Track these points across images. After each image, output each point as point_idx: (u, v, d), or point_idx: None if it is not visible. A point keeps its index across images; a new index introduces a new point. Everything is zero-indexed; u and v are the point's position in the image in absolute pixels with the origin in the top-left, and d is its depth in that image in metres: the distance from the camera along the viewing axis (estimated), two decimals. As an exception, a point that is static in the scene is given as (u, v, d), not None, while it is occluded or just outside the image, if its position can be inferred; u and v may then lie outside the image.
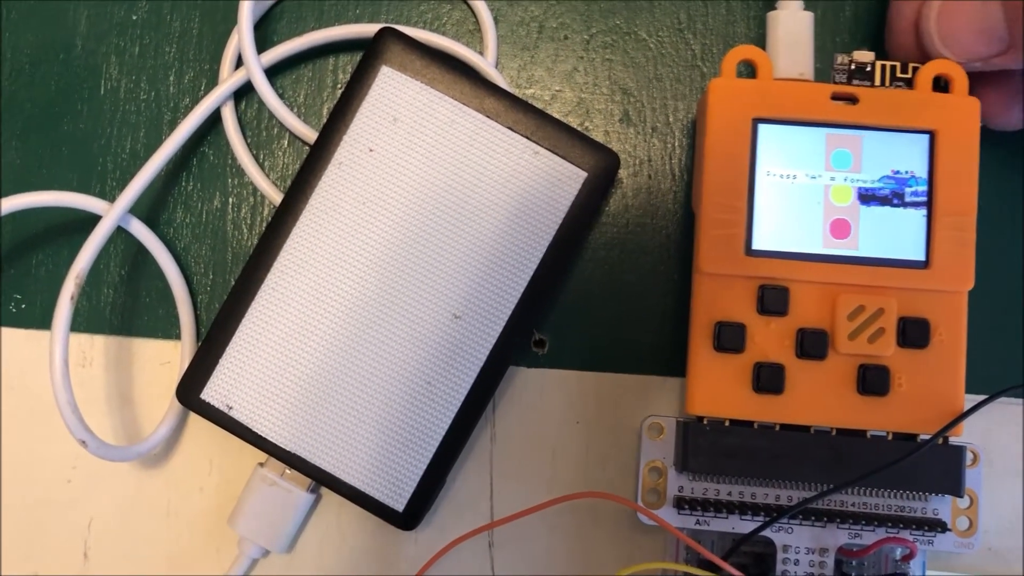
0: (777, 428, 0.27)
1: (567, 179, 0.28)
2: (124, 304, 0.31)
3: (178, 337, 0.31)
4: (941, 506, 0.28)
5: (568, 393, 0.30)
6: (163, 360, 0.31)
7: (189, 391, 0.29)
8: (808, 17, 0.28)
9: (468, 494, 0.30)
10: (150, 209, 0.31)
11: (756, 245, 0.27)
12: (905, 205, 0.27)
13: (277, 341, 0.28)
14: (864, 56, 0.28)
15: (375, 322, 0.28)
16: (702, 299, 0.27)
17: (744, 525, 0.27)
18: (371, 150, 0.29)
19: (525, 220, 0.28)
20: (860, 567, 0.28)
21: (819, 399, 0.27)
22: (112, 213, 0.29)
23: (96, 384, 0.31)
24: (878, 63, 0.28)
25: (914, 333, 0.27)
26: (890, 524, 0.27)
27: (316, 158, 0.29)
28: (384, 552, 0.30)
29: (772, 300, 0.27)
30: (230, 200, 0.31)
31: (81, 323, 0.31)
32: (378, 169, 0.29)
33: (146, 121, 0.32)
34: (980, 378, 0.28)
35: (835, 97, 0.27)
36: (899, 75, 0.28)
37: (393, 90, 0.29)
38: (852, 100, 0.27)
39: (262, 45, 0.31)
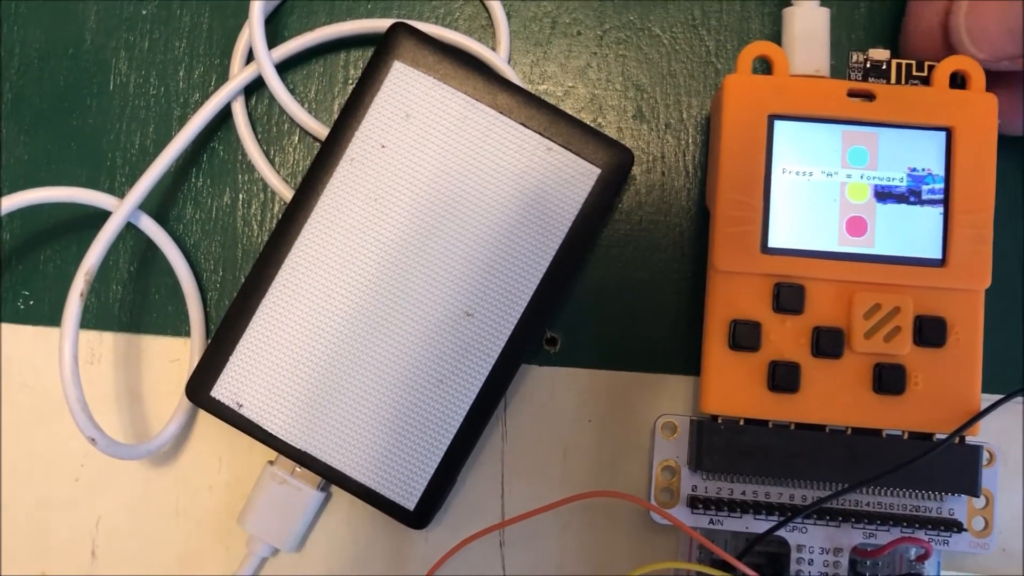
0: (792, 427, 0.27)
1: (580, 176, 0.28)
2: (133, 301, 0.31)
3: (187, 334, 0.31)
4: (957, 506, 0.28)
5: (580, 391, 0.30)
6: (172, 357, 0.31)
7: (199, 388, 0.28)
8: (824, 13, 0.28)
9: (479, 493, 0.30)
10: (160, 205, 0.31)
11: (772, 243, 0.27)
12: (922, 203, 0.27)
13: (288, 338, 0.28)
14: (880, 54, 0.28)
15: (386, 319, 0.28)
16: (717, 297, 0.27)
17: (758, 525, 0.27)
18: (383, 146, 0.28)
19: (538, 217, 0.28)
20: (875, 567, 0.28)
21: (835, 398, 0.27)
22: (122, 209, 0.29)
23: (105, 381, 0.31)
24: (894, 61, 0.28)
25: (930, 332, 0.27)
26: (905, 524, 0.27)
27: (327, 154, 0.28)
28: (394, 551, 0.30)
29: (788, 298, 0.27)
30: (240, 196, 0.31)
31: (90, 320, 0.31)
32: (390, 165, 0.28)
33: (156, 117, 0.31)
34: (997, 377, 0.28)
35: (852, 94, 0.27)
36: (915, 73, 0.28)
37: (405, 86, 0.28)
38: (869, 97, 0.27)
39: (273, 40, 0.31)
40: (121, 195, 0.29)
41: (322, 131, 0.30)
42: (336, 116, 0.29)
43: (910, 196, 0.27)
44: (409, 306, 0.28)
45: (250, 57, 0.31)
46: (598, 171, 0.28)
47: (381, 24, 0.30)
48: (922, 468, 0.26)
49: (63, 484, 0.31)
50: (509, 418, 0.30)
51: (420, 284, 0.28)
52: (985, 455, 0.28)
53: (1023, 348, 0.30)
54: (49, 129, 0.31)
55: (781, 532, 0.27)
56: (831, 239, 0.27)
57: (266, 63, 0.30)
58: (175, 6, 0.32)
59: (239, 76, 0.30)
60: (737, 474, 0.27)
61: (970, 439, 0.27)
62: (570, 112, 0.29)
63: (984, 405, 0.27)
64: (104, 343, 0.31)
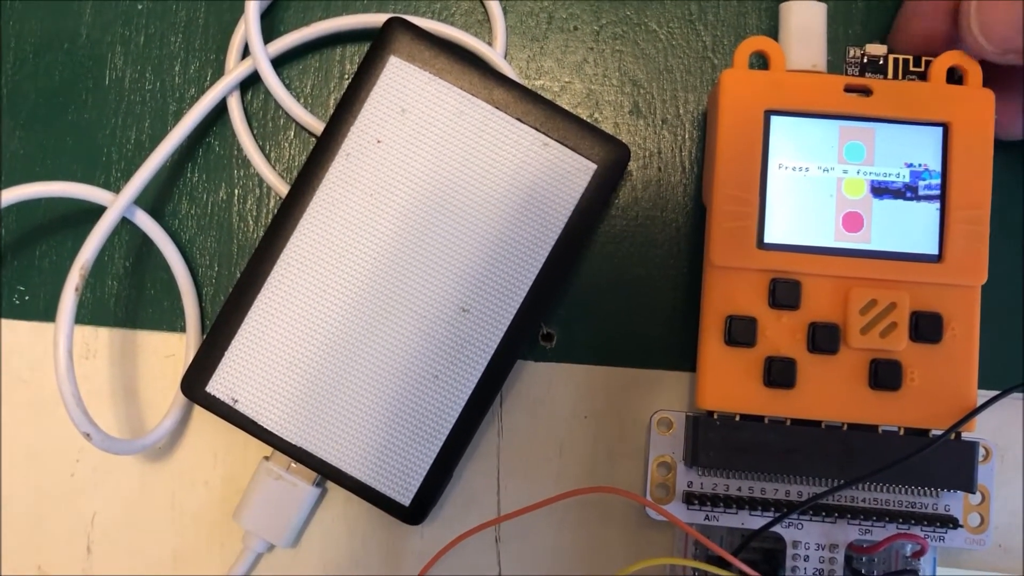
0: (788, 423, 0.27)
1: (577, 171, 0.28)
2: (129, 296, 0.31)
3: (183, 330, 0.31)
4: (952, 502, 0.28)
5: (576, 387, 0.30)
6: (168, 353, 0.31)
7: (194, 384, 0.28)
8: (821, 8, 0.28)
9: (475, 489, 0.30)
10: (155, 200, 0.31)
11: (768, 238, 0.27)
12: (918, 198, 0.27)
13: (283, 334, 0.28)
14: (877, 49, 0.28)
15: (382, 315, 0.28)
16: (713, 292, 0.27)
17: (754, 521, 0.27)
18: (379, 141, 0.28)
19: (534, 212, 0.28)
20: (870, 563, 0.28)
21: (830, 394, 0.27)
22: (117, 204, 0.29)
23: (100, 377, 0.31)
24: (891, 56, 0.28)
25: (927, 327, 0.27)
26: (901, 520, 0.27)
27: (323, 149, 0.28)
28: (390, 547, 0.30)
29: (784, 294, 0.27)
30: (236, 191, 0.31)
31: (85, 315, 0.31)
32: (386, 160, 0.28)
33: (151, 111, 0.31)
34: (993, 374, 0.28)
35: (848, 89, 0.27)
36: (912, 69, 0.28)
37: (401, 80, 0.28)
38: (865, 92, 0.27)
39: (269, 35, 0.31)
40: (117, 190, 0.29)
41: (318, 126, 0.30)
42: (332, 111, 0.29)
43: (907, 192, 0.27)
44: (404, 301, 0.28)
45: (246, 52, 0.31)
46: (594, 167, 0.28)
47: (377, 19, 0.30)
48: (918, 464, 0.26)
49: (59, 479, 0.31)
50: (505, 414, 0.30)
51: (415, 279, 0.28)
52: (981, 451, 0.28)
53: (1019, 344, 0.30)
54: (45, 124, 0.31)
55: (777, 528, 0.27)
56: (827, 235, 0.27)
57: (262, 58, 0.30)
58: (171, 1, 0.32)
59: (235, 71, 0.30)
60: (733, 470, 0.27)
61: (966, 435, 0.27)
62: (566, 107, 0.29)
63: (980, 401, 0.27)
64: (99, 338, 0.31)
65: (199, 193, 0.31)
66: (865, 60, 0.28)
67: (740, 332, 0.27)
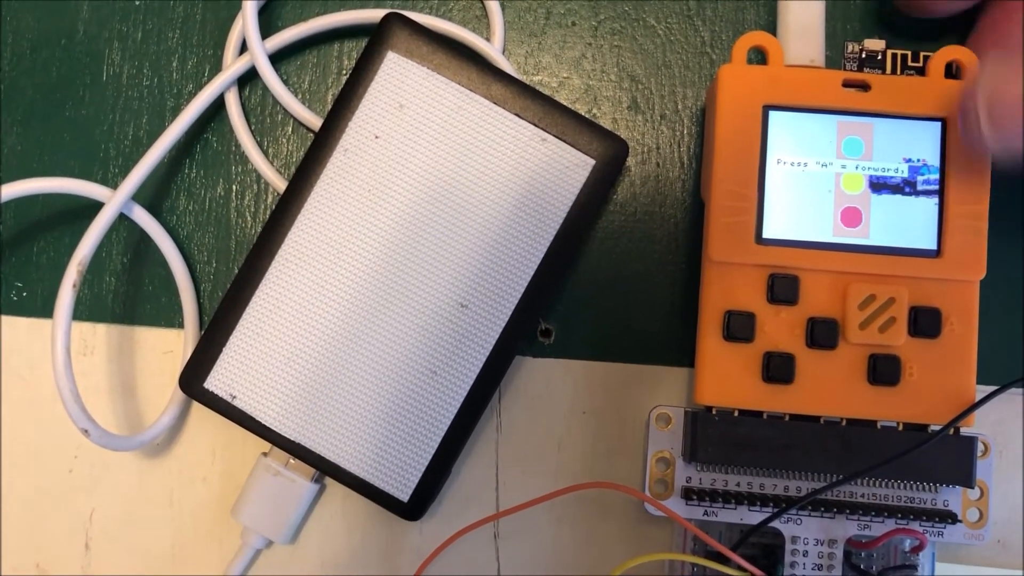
0: (786, 418, 0.27)
1: (575, 167, 0.28)
2: (126, 292, 0.31)
3: (181, 326, 0.30)
4: (951, 497, 0.28)
5: (575, 383, 0.30)
6: (166, 349, 0.31)
7: (192, 380, 0.28)
8: (819, 4, 0.28)
9: (473, 485, 0.30)
10: (153, 196, 0.31)
11: (766, 233, 0.27)
12: (917, 193, 0.27)
13: (281, 330, 0.28)
14: (875, 44, 0.28)
15: (380, 311, 0.28)
16: (711, 288, 0.27)
17: (753, 516, 0.27)
18: (377, 137, 0.28)
19: (532, 208, 0.28)
20: (869, 559, 0.28)
21: (829, 389, 0.27)
22: (115, 200, 0.29)
23: (98, 373, 0.31)
24: (889, 52, 0.28)
25: (925, 323, 0.27)
26: (900, 515, 0.27)
27: (321, 145, 0.28)
28: (389, 543, 0.30)
29: (782, 289, 0.27)
30: (234, 188, 0.31)
31: (83, 311, 0.31)
32: (384, 156, 0.28)
33: (149, 107, 0.31)
34: (992, 369, 0.28)
35: (847, 84, 0.27)
36: (910, 64, 0.28)
37: (399, 76, 0.28)
38: (864, 87, 0.27)
39: (266, 31, 0.31)
40: (114, 186, 0.29)
41: (316, 122, 0.30)
42: (330, 107, 0.29)
43: (905, 187, 0.27)
44: (403, 297, 0.28)
45: (244, 48, 0.31)
46: (593, 162, 0.28)
47: (375, 14, 0.30)
48: (917, 459, 0.26)
49: (57, 476, 0.31)
50: (503, 410, 0.30)
51: (414, 275, 0.28)
52: (980, 446, 0.28)
53: (1018, 339, 0.30)
54: (42, 120, 0.31)
55: (776, 524, 0.27)
56: (826, 230, 0.27)
57: (259, 53, 0.30)
58: (168, -4, 0.32)
59: (232, 67, 0.30)
60: (731, 465, 0.27)
61: (965, 430, 0.27)
62: (565, 103, 0.29)
63: (979, 397, 0.27)
64: (97, 335, 0.31)
65: (197, 189, 0.31)
66: (864, 55, 0.28)
67: (739, 327, 0.27)
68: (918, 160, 0.27)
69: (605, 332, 0.30)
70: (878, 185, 0.27)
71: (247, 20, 0.29)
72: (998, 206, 0.27)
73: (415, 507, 0.28)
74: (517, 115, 0.28)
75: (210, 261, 0.31)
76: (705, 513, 0.28)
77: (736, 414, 0.27)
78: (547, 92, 0.30)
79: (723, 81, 0.27)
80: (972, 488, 0.27)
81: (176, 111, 0.31)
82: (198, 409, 0.30)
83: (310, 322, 0.28)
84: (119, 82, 0.31)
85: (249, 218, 0.31)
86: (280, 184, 0.30)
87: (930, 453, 0.26)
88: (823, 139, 0.27)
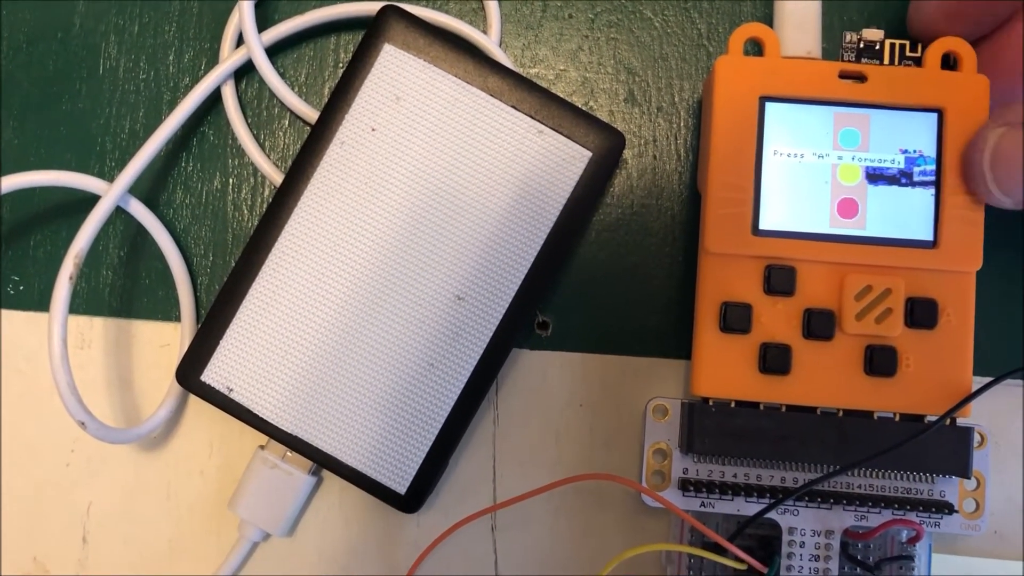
0: (783, 409, 0.27)
1: (572, 159, 0.28)
2: (123, 286, 0.31)
3: (178, 319, 0.30)
4: (948, 488, 0.28)
5: (572, 375, 0.30)
6: (163, 342, 0.31)
7: (189, 373, 0.28)
8: (816, -5, 0.28)
9: (471, 477, 0.30)
10: (150, 190, 0.31)
11: (763, 225, 0.27)
12: (913, 184, 0.27)
13: (278, 323, 0.28)
14: (873, 34, 0.28)
15: (377, 303, 0.28)
16: (708, 279, 0.27)
17: (749, 507, 0.27)
18: (373, 129, 0.28)
19: (529, 200, 0.28)
20: (866, 549, 0.28)
21: (826, 380, 0.27)
22: (111, 192, 0.29)
23: (95, 366, 0.31)
24: (887, 42, 0.28)
25: (922, 313, 0.27)
26: (896, 506, 0.27)
27: (317, 138, 0.28)
28: (386, 535, 0.30)
29: (779, 280, 0.27)
30: (230, 181, 0.31)
31: (80, 305, 0.31)
32: (380, 149, 0.28)
33: (145, 101, 0.31)
34: (988, 360, 0.28)
35: (843, 75, 0.27)
36: (908, 54, 0.28)
37: (396, 68, 0.28)
38: (860, 78, 0.27)
39: (263, 24, 0.31)
40: (111, 180, 0.29)
41: (312, 115, 0.30)
42: (326, 100, 0.29)
43: (902, 178, 0.27)
44: (400, 290, 0.28)
45: (240, 41, 0.30)
46: (589, 154, 0.28)
47: (371, 7, 0.30)
48: (913, 450, 0.26)
49: (54, 470, 0.31)
50: (501, 402, 0.30)
51: (410, 267, 0.28)
52: (976, 437, 0.28)
53: (1015, 330, 0.30)
54: (38, 113, 0.31)
55: (773, 515, 0.27)
56: (822, 221, 0.27)
57: (256, 47, 0.30)
58: (164, -10, 0.32)
59: (229, 60, 0.30)
60: (728, 456, 0.27)
61: (961, 421, 0.27)
62: (561, 95, 0.29)
63: (975, 388, 0.27)
64: (94, 328, 0.31)
65: (194, 182, 0.31)
66: (862, 45, 0.28)
67: (735, 319, 0.27)
68: (914, 151, 0.27)
69: (602, 324, 0.30)
70: (874, 176, 0.27)
71: (243, 13, 0.29)
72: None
73: (412, 499, 0.28)
74: (514, 107, 0.28)
75: (207, 254, 0.31)
76: (702, 504, 0.28)
77: (733, 405, 0.27)
78: (544, 85, 0.30)
79: (720, 73, 0.27)
80: (968, 478, 0.27)
81: (173, 104, 0.31)
82: (195, 402, 0.30)
83: (307, 315, 0.28)
84: (116, 76, 0.31)
85: (246, 211, 0.31)
86: (277, 177, 0.30)
87: (926, 444, 0.26)
88: (819, 130, 0.27)
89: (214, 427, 0.30)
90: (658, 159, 0.31)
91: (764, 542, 0.28)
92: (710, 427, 0.27)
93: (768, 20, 0.28)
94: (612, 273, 0.30)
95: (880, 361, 0.27)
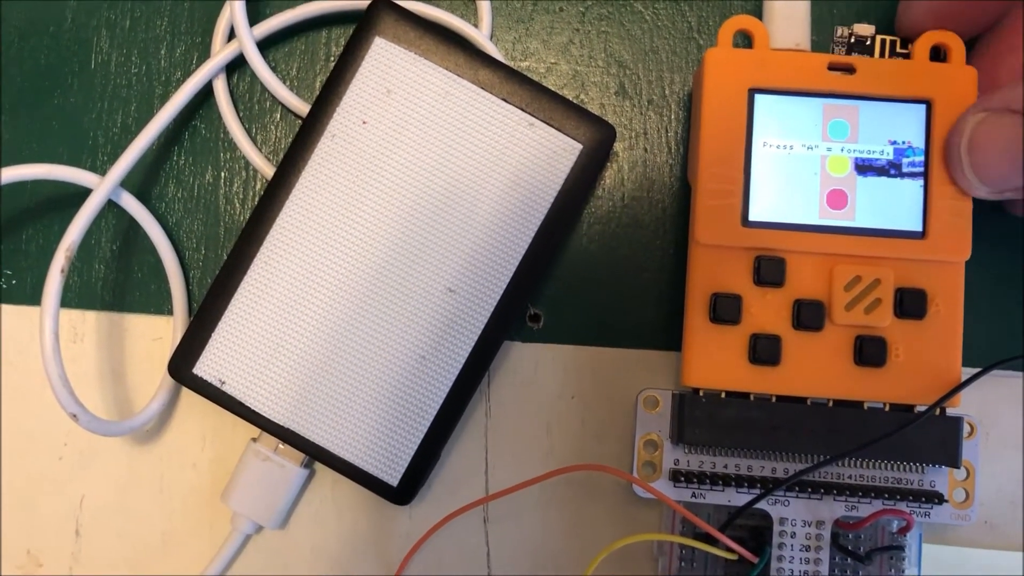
0: (773, 400, 0.27)
1: (562, 151, 0.28)
2: (116, 280, 0.31)
3: (170, 312, 0.31)
4: (938, 478, 0.28)
5: (563, 367, 0.30)
6: (155, 336, 0.31)
7: (181, 366, 0.28)
8: (805, -12, 0.28)
9: (463, 469, 0.30)
10: (142, 184, 0.31)
11: (753, 216, 0.27)
12: (902, 175, 0.27)
13: (270, 315, 0.28)
14: (864, 29, 0.28)
15: (369, 296, 0.28)
16: (698, 270, 0.27)
17: (740, 498, 0.27)
18: (364, 122, 0.28)
19: (520, 193, 0.28)
20: (857, 539, 0.28)
21: (816, 370, 0.27)
22: (103, 186, 0.29)
23: (88, 360, 0.31)
24: (878, 37, 0.28)
25: (911, 304, 0.27)
26: (887, 496, 0.27)
27: (309, 131, 0.28)
28: (378, 527, 0.30)
29: (768, 271, 0.27)
30: (222, 174, 0.31)
31: (72, 299, 0.31)
32: (371, 141, 0.28)
33: (137, 95, 0.31)
34: (978, 351, 0.28)
35: (832, 67, 0.27)
36: (899, 50, 0.28)
37: (387, 62, 0.28)
38: (849, 70, 0.27)
39: (254, 18, 0.31)
40: (103, 174, 0.29)
41: (304, 108, 0.30)
42: (318, 93, 0.29)
43: (890, 169, 0.27)
44: (391, 282, 0.28)
45: (232, 35, 0.31)
46: (580, 147, 0.28)
47: (362, 1, 0.30)
48: (903, 440, 0.27)
49: (47, 463, 0.31)
50: (492, 394, 0.30)
51: (402, 260, 0.28)
52: (966, 427, 0.28)
53: (1003, 321, 0.30)
54: (30, 108, 0.31)
55: (763, 505, 0.27)
56: (812, 212, 0.27)
57: (247, 41, 0.30)
58: (156, -16, 0.32)
59: (220, 54, 0.30)
60: (719, 447, 0.27)
61: (951, 411, 0.27)
62: (552, 88, 0.29)
63: (964, 378, 0.27)
64: (87, 322, 0.31)
65: (186, 176, 0.31)
66: (853, 40, 0.28)
67: (725, 309, 0.27)
68: (903, 142, 0.27)
69: (593, 317, 0.30)
70: (864, 167, 0.27)
71: (235, 7, 0.30)
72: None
73: (404, 491, 0.28)
74: (504, 100, 0.28)
75: (199, 248, 0.31)
76: (693, 495, 0.28)
77: (723, 396, 0.27)
78: (535, 78, 0.31)
79: (709, 64, 0.27)
80: (958, 468, 0.27)
81: (164, 98, 0.31)
82: (188, 395, 0.30)
83: (298, 308, 0.28)
84: (107, 70, 0.31)
85: (238, 205, 0.31)
86: (268, 171, 0.30)
87: (916, 434, 0.27)
88: (809, 122, 0.27)
89: (207, 420, 0.30)
90: (649, 152, 0.31)
91: (755, 532, 0.28)
92: (701, 418, 0.27)
93: (758, 13, 0.29)
94: (603, 265, 0.30)
95: (870, 351, 0.27)
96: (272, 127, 0.31)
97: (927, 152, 0.27)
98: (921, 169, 0.27)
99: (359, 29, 0.29)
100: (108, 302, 0.31)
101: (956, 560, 0.29)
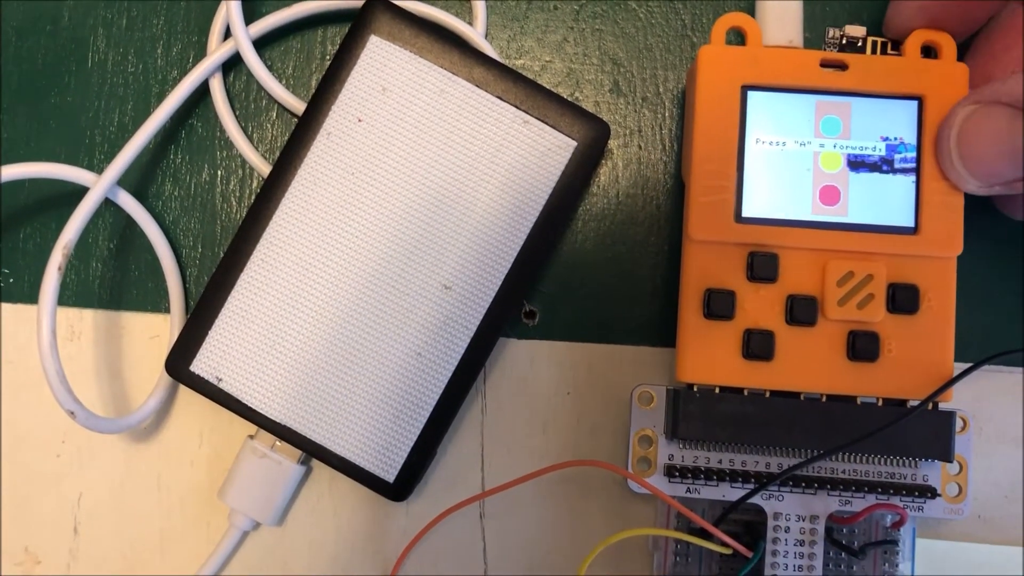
0: (767, 395, 0.27)
1: (557, 149, 0.28)
2: (113, 278, 0.31)
3: (167, 310, 0.31)
4: (931, 472, 0.28)
5: (559, 364, 0.30)
6: (152, 334, 0.31)
7: (178, 363, 0.28)
8: (797, -14, 0.28)
9: (459, 465, 0.30)
10: (139, 182, 0.31)
11: (746, 212, 0.27)
12: (894, 171, 0.27)
13: (266, 313, 0.28)
14: (856, 31, 0.28)
15: (364, 293, 0.28)
16: (692, 267, 0.27)
17: (735, 493, 0.27)
18: (360, 120, 0.29)
19: (515, 190, 0.28)
20: (851, 534, 0.28)
21: (809, 365, 0.27)
22: (100, 184, 0.29)
23: (85, 358, 0.31)
24: (869, 38, 0.28)
25: (903, 299, 0.27)
26: (880, 490, 0.27)
27: (304, 129, 0.29)
28: (375, 524, 0.30)
29: (762, 267, 0.27)
30: (219, 173, 0.31)
31: (70, 297, 0.31)
32: (367, 139, 0.28)
33: (134, 94, 0.31)
34: (970, 345, 0.29)
35: (824, 64, 0.27)
36: (890, 51, 0.28)
37: (382, 60, 0.29)
38: (841, 67, 0.27)
39: (250, 16, 0.31)
40: (100, 173, 0.29)
41: (300, 107, 0.30)
42: (313, 91, 0.29)
43: (883, 165, 0.27)
44: (387, 279, 0.28)
45: (228, 34, 0.31)
46: (575, 144, 0.28)
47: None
48: (896, 434, 0.27)
49: (45, 461, 0.31)
50: (488, 391, 0.30)
51: (398, 257, 0.28)
52: (959, 421, 0.28)
53: (995, 316, 0.30)
54: (27, 107, 0.31)
55: (758, 500, 0.27)
56: (805, 208, 0.27)
57: (243, 39, 0.30)
58: (152, -17, 0.32)
59: (216, 52, 0.30)
60: (713, 442, 0.27)
61: (943, 405, 0.27)
62: (547, 86, 0.29)
63: (957, 372, 0.27)
64: (84, 320, 0.31)
65: (182, 174, 0.31)
66: (844, 41, 0.28)
67: (719, 305, 0.27)
68: (895, 138, 0.27)
69: (589, 313, 0.30)
70: (856, 163, 0.27)
71: (231, 6, 0.30)
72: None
73: (401, 488, 0.28)
74: (499, 98, 0.28)
75: (196, 246, 0.31)
76: (688, 490, 0.28)
77: (717, 391, 0.27)
78: (530, 76, 0.31)
79: (702, 61, 0.27)
80: (951, 462, 0.27)
81: (161, 97, 0.31)
82: (185, 393, 0.31)
83: (295, 305, 0.28)
84: (104, 69, 0.32)
85: (234, 203, 0.31)
86: (265, 169, 0.31)
87: (909, 428, 0.27)
88: (801, 118, 0.27)
89: (204, 417, 0.31)
90: (643, 149, 0.31)
91: (750, 527, 0.28)
92: (695, 413, 0.27)
93: (751, 11, 0.29)
94: (598, 262, 0.31)
95: (862, 346, 0.27)
96: (268, 125, 0.31)
97: (919, 148, 0.27)
98: (913, 165, 0.27)
99: (354, 27, 0.29)
100: (105, 300, 0.31)
101: (949, 554, 0.29)
